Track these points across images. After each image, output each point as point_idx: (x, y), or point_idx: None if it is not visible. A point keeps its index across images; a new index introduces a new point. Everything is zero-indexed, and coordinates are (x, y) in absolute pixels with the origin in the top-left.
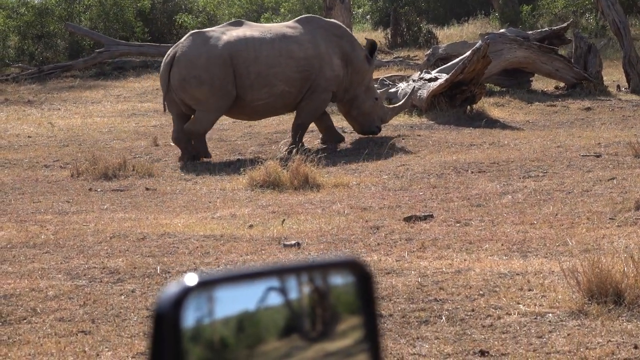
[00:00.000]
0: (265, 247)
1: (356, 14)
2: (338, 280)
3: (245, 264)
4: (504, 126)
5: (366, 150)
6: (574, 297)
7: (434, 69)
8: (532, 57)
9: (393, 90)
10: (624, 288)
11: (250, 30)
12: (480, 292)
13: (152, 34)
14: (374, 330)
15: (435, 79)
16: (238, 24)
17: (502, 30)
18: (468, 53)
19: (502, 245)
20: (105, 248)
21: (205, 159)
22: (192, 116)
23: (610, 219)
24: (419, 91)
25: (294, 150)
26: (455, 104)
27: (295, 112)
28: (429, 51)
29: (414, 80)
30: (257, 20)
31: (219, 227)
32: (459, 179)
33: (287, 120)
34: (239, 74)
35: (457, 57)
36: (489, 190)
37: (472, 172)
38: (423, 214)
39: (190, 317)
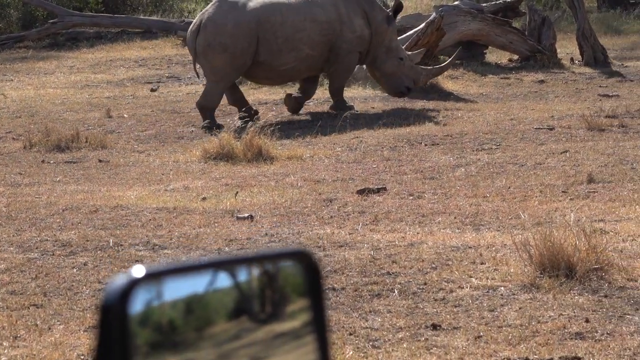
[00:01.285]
0: (218, 220)
1: None
2: (287, 263)
3: (198, 237)
4: (457, 99)
5: (319, 123)
6: (526, 270)
7: None
8: (486, 29)
9: None
10: (575, 262)
11: None
12: (433, 266)
13: (106, 5)
14: (322, 323)
15: None
16: None
17: (456, 3)
18: (422, 25)
19: (455, 218)
20: (58, 220)
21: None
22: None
23: (562, 192)
24: None
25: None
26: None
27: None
28: None
29: None
30: None
31: (171, 199)
32: (412, 151)
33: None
34: (266, 39)
35: (411, 30)
36: (442, 163)
37: (425, 145)
38: (376, 187)
39: (138, 305)
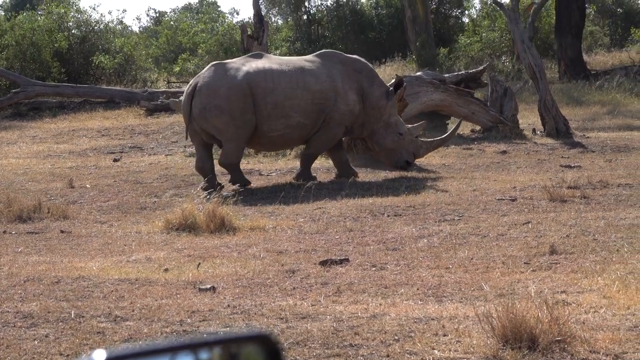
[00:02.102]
0: (180, 291)
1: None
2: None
3: (160, 308)
4: (420, 169)
5: (282, 193)
6: (488, 342)
7: None
8: (448, 99)
9: None
10: (538, 333)
11: (269, 62)
12: (396, 337)
13: (68, 75)
14: None
15: None
16: (258, 56)
17: (419, 73)
18: None
19: (418, 289)
20: (19, 292)
21: (246, 187)
22: (220, 151)
23: (525, 263)
24: None
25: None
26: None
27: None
28: None
29: None
30: (174, 61)
31: (134, 270)
32: (375, 222)
33: None
34: (257, 103)
35: None
36: (405, 234)
37: (388, 216)
38: (339, 258)
39: None
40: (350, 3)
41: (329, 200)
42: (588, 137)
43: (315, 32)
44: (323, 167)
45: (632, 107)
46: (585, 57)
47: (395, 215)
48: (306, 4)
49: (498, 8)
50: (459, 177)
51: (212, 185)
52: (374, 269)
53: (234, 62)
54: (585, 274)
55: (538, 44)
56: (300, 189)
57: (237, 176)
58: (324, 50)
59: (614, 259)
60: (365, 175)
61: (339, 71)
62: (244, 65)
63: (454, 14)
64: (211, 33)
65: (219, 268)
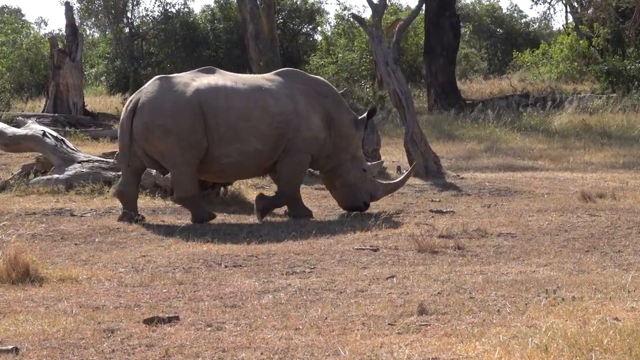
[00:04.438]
0: None
1: (89, 75)
2: None
3: None
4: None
5: (98, 238)
6: None
7: None
8: None
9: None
10: None
11: (223, 78)
12: None
13: None
14: None
15: None
16: (210, 71)
17: None
18: None
19: (262, 354)
20: None
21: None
22: (172, 184)
23: (389, 324)
24: None
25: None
26: (207, 184)
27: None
28: None
29: None
30: None
31: None
32: (210, 274)
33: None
34: (208, 124)
35: None
36: (246, 288)
37: (226, 267)
38: (167, 316)
39: None
40: (181, 14)
41: (154, 247)
42: (463, 178)
43: (139, 48)
44: (148, 208)
45: (513, 143)
46: (459, 84)
47: (234, 266)
48: (128, 14)
49: (357, 24)
50: (310, 222)
51: (129, 215)
52: (209, 329)
53: (181, 77)
54: (460, 338)
55: (404, 68)
56: (119, 232)
57: (200, 211)
58: (285, 69)
59: (494, 321)
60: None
61: (301, 92)
62: (194, 80)
63: (304, 30)
64: (13, 46)
65: (23, 326)
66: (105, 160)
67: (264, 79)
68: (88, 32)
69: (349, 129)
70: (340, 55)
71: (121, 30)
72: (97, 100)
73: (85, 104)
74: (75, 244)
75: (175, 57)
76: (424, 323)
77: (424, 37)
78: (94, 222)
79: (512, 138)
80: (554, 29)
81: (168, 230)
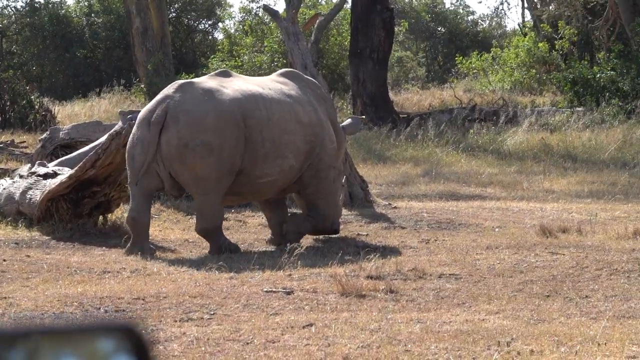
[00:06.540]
0: None
1: None
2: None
3: None
4: (156, 245)
5: None
6: None
7: (52, 160)
8: None
9: None
10: None
11: (247, 83)
12: None
13: None
14: None
15: (54, 174)
16: (226, 74)
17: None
18: (103, 139)
19: None
20: None
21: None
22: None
23: None
24: (30, 192)
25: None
26: (82, 212)
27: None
28: (44, 135)
29: (21, 177)
30: None
31: None
32: (87, 320)
33: None
34: (252, 140)
35: (87, 145)
36: None
37: (106, 312)
38: None
39: None
40: (50, 6)
41: (18, 288)
42: (396, 208)
43: None
44: (10, 240)
45: (457, 167)
46: (391, 94)
47: (116, 311)
48: None
49: (269, 18)
50: (209, 259)
51: (142, 246)
52: None
53: (207, 82)
54: None
55: (325, 74)
56: None
57: (223, 242)
58: (286, 70)
59: None
60: (71, 253)
61: (314, 98)
62: (223, 86)
63: (202, 26)
64: None
65: None
66: None
67: (277, 82)
68: None
69: (344, 139)
70: (246, 57)
71: None
72: None
73: None
74: None
75: (42, 57)
76: None
77: (349, 37)
78: None
79: (455, 160)
80: (507, 29)
81: (34, 267)
